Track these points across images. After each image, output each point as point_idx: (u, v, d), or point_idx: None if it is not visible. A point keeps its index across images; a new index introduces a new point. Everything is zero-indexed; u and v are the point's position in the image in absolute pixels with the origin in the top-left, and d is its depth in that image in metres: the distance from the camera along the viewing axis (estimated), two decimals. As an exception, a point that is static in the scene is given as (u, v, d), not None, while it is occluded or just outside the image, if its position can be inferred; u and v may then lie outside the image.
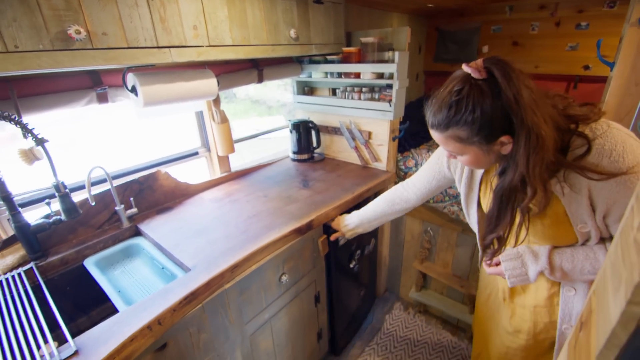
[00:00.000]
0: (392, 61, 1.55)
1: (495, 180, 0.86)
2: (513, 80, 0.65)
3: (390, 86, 1.61)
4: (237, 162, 1.92)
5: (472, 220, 1.04)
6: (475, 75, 0.68)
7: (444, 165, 1.05)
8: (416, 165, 1.82)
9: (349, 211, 1.41)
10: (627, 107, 1.05)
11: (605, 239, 0.79)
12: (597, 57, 1.40)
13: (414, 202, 1.22)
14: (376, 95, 1.71)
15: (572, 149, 0.70)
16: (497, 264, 0.93)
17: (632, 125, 1.05)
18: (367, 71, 1.65)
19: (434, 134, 0.79)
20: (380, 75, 1.64)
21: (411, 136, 1.95)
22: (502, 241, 0.82)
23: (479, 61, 0.68)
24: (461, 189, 1.00)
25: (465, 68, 0.69)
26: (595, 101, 0.78)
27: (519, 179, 0.70)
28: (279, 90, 2.30)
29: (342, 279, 1.62)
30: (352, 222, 1.34)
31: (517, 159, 0.69)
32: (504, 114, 0.67)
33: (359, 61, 1.70)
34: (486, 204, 0.94)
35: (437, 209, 1.76)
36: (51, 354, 0.77)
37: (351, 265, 1.63)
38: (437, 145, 1.93)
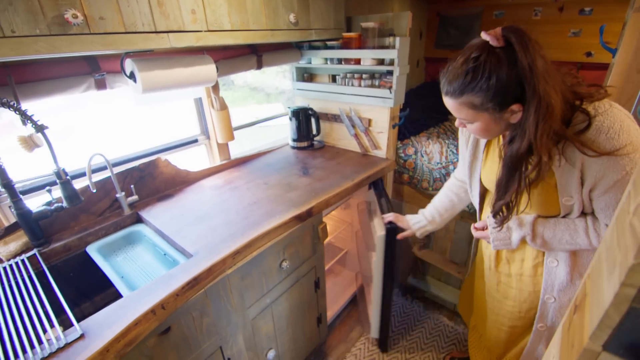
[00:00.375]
0: (393, 47, 1.53)
1: (497, 151, 0.91)
2: (529, 49, 0.67)
3: (390, 73, 1.60)
4: (237, 150, 1.91)
5: (474, 193, 1.08)
6: (493, 42, 0.70)
7: (461, 138, 1.08)
8: (416, 152, 1.82)
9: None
10: (628, 94, 1.05)
11: (586, 214, 0.85)
12: (600, 43, 1.39)
13: (464, 186, 1.25)
14: (376, 82, 1.69)
15: (574, 124, 0.74)
16: (484, 228, 0.99)
17: (632, 112, 1.05)
18: (367, 57, 1.63)
19: (448, 101, 0.80)
20: (381, 62, 1.63)
21: (411, 123, 1.95)
22: (510, 208, 0.85)
23: (498, 29, 0.70)
24: (467, 157, 1.04)
25: (484, 35, 0.71)
26: (601, 83, 0.80)
27: (527, 146, 0.73)
28: (277, 78, 2.27)
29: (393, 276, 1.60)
30: (422, 220, 1.33)
31: (526, 127, 0.71)
32: (517, 82, 0.69)
33: (359, 47, 1.68)
34: (486, 174, 1.00)
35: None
36: (57, 338, 0.79)
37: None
38: (437, 133, 1.93)
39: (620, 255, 0.38)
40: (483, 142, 0.99)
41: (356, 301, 2.05)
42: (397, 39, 1.50)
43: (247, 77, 2.12)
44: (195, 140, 1.67)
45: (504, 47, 0.69)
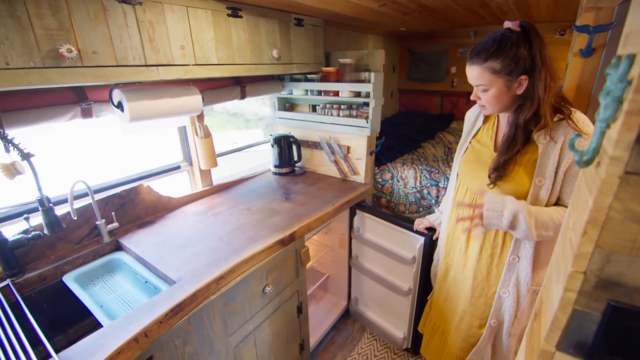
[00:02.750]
0: (369, 81, 1.66)
1: (489, 133, 1.11)
2: (540, 37, 0.91)
3: (367, 104, 1.71)
4: (216, 175, 1.94)
5: (454, 175, 1.23)
6: (513, 27, 0.91)
7: (465, 127, 1.23)
8: (392, 178, 1.92)
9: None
10: (574, 126, 1.19)
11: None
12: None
13: None
14: (354, 112, 1.80)
15: (563, 109, 0.95)
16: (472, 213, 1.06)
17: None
18: (345, 90, 1.75)
19: (473, 69, 0.96)
20: (358, 94, 1.74)
21: (387, 150, 2.06)
22: (504, 167, 1.00)
23: (517, 21, 0.92)
24: (461, 141, 1.22)
25: (506, 24, 0.93)
26: None
27: (533, 111, 0.93)
28: (257, 104, 2.35)
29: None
30: (439, 215, 1.43)
31: (535, 94, 0.91)
32: (530, 57, 0.90)
33: (338, 80, 1.80)
34: (464, 160, 1.16)
35: (412, 220, 1.85)
36: (35, 370, 0.76)
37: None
38: (411, 160, 2.05)
39: (564, 265, 0.45)
40: (477, 127, 1.15)
41: (338, 327, 2.05)
42: (372, 74, 1.62)
43: (227, 104, 2.18)
44: (178, 167, 1.69)
45: (521, 32, 0.91)
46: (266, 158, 2.20)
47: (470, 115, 1.22)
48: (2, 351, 0.81)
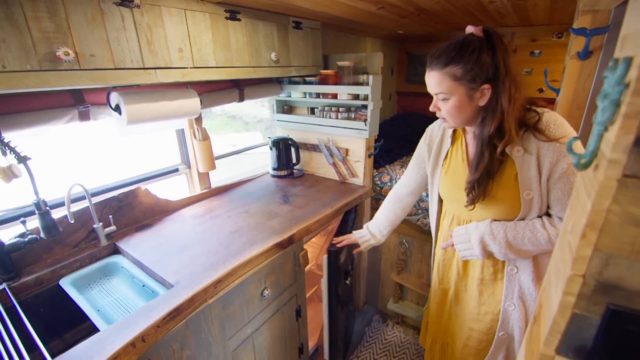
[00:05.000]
0: (367, 84, 1.66)
1: (460, 154, 1.04)
2: (503, 44, 0.85)
3: (365, 106, 1.71)
4: (214, 177, 1.93)
5: (433, 202, 1.18)
6: (476, 33, 0.86)
7: (423, 147, 1.19)
8: (391, 180, 1.92)
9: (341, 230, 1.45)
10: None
11: (542, 217, 0.93)
12: (545, 84, 1.57)
13: (407, 198, 1.33)
14: (352, 115, 1.80)
15: (527, 119, 0.89)
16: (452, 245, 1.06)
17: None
18: (343, 92, 1.75)
19: (432, 75, 0.90)
20: (356, 96, 1.74)
21: (386, 153, 2.06)
22: (480, 187, 0.95)
23: (480, 27, 0.87)
24: (429, 166, 1.15)
25: (468, 28, 0.87)
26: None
27: (497, 125, 0.86)
28: (256, 107, 2.35)
29: (340, 295, 1.63)
30: (366, 234, 1.39)
31: (498, 107, 0.85)
32: (493, 64, 0.84)
33: (336, 83, 1.80)
34: (443, 183, 1.09)
35: (411, 222, 1.85)
36: (30, 376, 0.76)
37: (347, 282, 1.67)
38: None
39: (562, 268, 0.45)
40: (445, 149, 1.08)
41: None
42: (371, 76, 1.63)
43: (226, 106, 2.18)
44: (176, 170, 1.68)
45: (484, 38, 0.85)
46: (265, 160, 2.20)
47: (435, 133, 1.14)
48: (-3, 356, 0.80)
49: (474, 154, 0.96)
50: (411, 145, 2.28)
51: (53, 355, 0.81)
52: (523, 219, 0.94)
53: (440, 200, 1.17)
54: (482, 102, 0.88)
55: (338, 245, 1.42)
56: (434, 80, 0.90)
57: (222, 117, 2.22)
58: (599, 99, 0.37)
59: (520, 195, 0.91)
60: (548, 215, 0.93)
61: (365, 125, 1.72)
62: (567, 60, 1.20)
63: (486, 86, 0.85)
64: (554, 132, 0.85)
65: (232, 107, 2.21)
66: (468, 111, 0.90)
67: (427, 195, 1.84)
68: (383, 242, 1.40)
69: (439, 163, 1.11)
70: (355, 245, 1.43)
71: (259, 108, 2.35)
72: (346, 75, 1.76)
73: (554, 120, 0.87)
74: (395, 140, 2.29)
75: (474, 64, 0.84)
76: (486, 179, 0.94)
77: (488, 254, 0.99)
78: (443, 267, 1.21)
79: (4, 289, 1.05)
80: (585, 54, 1.12)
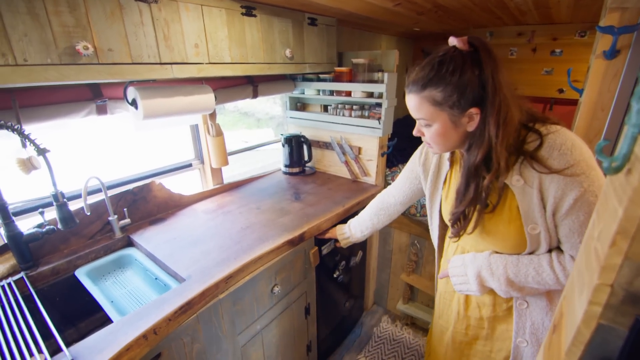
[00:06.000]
0: (382, 82, 1.63)
1: (457, 176, 0.91)
2: (493, 57, 0.72)
3: (379, 105, 1.69)
4: (226, 173, 1.94)
5: (434, 226, 1.08)
6: (459, 45, 0.73)
7: (417, 164, 1.08)
8: (404, 180, 1.89)
9: (344, 221, 1.45)
10: (595, 130, 1.15)
11: (551, 251, 0.81)
12: (568, 84, 1.52)
13: (394, 207, 1.25)
14: (366, 113, 1.78)
15: (527, 142, 0.75)
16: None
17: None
18: (357, 90, 1.73)
19: (410, 97, 0.79)
20: (370, 94, 1.72)
21: (399, 152, 2.03)
22: (466, 220, 0.84)
23: (465, 37, 0.73)
24: (427, 188, 1.04)
25: (451, 40, 0.74)
26: (571, 118, 0.84)
27: (484, 153, 0.74)
28: (268, 103, 2.35)
29: (327, 288, 1.65)
30: (346, 231, 1.37)
31: (485, 133, 0.73)
32: (479, 84, 0.71)
33: (350, 80, 1.78)
34: (446, 210, 0.96)
35: (423, 222, 1.82)
36: (46, 363, 0.77)
37: (335, 276, 1.66)
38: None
39: (588, 277, 0.43)
40: (444, 172, 0.97)
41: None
42: (386, 74, 1.60)
43: (239, 103, 2.18)
44: (190, 165, 1.70)
45: (470, 51, 0.72)
46: (276, 157, 2.20)
47: (428, 155, 1.03)
48: (15, 343, 0.82)
49: (459, 184, 0.84)
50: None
51: (67, 344, 0.83)
52: (532, 252, 0.83)
53: (443, 224, 1.06)
54: (471, 128, 0.76)
55: (319, 237, 1.41)
56: (412, 104, 0.80)
57: (234, 113, 2.23)
58: (634, 99, 0.35)
59: (525, 230, 0.79)
60: (559, 249, 0.81)
61: (379, 123, 1.70)
62: (592, 60, 1.15)
63: (474, 110, 0.73)
64: (558, 160, 0.71)
65: (245, 104, 2.22)
66: (454, 138, 0.80)
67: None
68: (364, 239, 1.38)
69: (438, 187, 1.00)
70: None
71: (271, 105, 2.35)
72: (360, 72, 1.74)
73: (561, 144, 0.71)
74: (409, 140, 2.25)
75: (455, 85, 0.71)
76: (473, 211, 0.83)
77: (487, 290, 0.89)
78: (443, 300, 1.10)
79: (22, 277, 1.07)
80: (612, 53, 1.07)
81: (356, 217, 1.38)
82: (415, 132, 0.86)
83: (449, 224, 0.93)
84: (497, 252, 0.87)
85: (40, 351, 0.81)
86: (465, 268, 0.89)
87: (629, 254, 0.35)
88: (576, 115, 1.28)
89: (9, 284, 1.04)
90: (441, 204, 1.00)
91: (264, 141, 2.16)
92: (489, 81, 0.71)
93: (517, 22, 2.27)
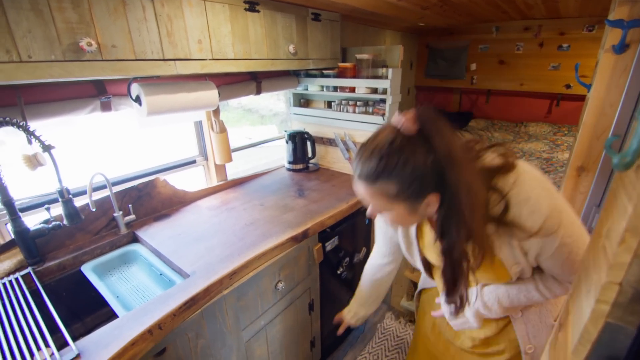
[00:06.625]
0: (386, 77, 1.62)
1: (435, 245, 0.82)
2: (445, 136, 0.63)
3: (383, 101, 1.68)
4: (230, 170, 1.94)
5: (420, 269, 1.02)
6: (406, 129, 0.64)
7: (384, 224, 1.04)
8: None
9: (341, 221, 1.43)
10: (603, 127, 1.13)
11: (535, 277, 0.81)
12: (576, 79, 1.50)
13: (388, 266, 1.15)
14: (370, 109, 1.77)
15: (492, 205, 0.68)
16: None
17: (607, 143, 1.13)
18: (361, 86, 1.72)
19: (360, 186, 0.71)
20: (374, 90, 1.71)
21: (403, 148, 2.02)
22: (463, 299, 0.81)
23: (411, 113, 0.64)
24: (401, 242, 0.97)
25: (396, 120, 0.66)
26: (502, 142, 0.80)
27: (465, 236, 0.67)
28: (271, 100, 2.35)
29: (331, 284, 1.65)
30: (351, 309, 1.24)
31: (459, 219, 0.65)
32: (435, 170, 0.63)
33: (354, 76, 1.77)
34: (430, 254, 0.91)
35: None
36: (53, 357, 0.78)
37: (338, 272, 1.66)
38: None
39: (595, 275, 0.43)
40: (413, 228, 0.91)
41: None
42: (390, 70, 1.59)
43: (242, 99, 2.18)
44: (194, 161, 1.70)
45: (419, 134, 0.64)
46: (280, 154, 2.20)
47: None
48: (23, 337, 0.83)
49: (444, 271, 0.77)
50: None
51: (74, 338, 0.84)
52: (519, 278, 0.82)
53: (428, 263, 0.98)
54: (431, 211, 0.69)
55: (339, 333, 1.28)
56: (363, 193, 0.72)
57: (238, 110, 2.22)
58: (646, 94, 0.34)
59: (508, 270, 0.77)
60: (539, 270, 0.79)
61: (384, 119, 1.69)
62: (601, 54, 1.13)
63: (432, 197, 0.66)
64: (531, 220, 0.66)
65: (248, 100, 2.22)
66: (414, 220, 0.75)
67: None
68: (372, 310, 1.24)
69: (412, 241, 0.93)
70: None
71: (274, 101, 2.35)
72: (364, 68, 1.72)
73: (526, 199, 0.66)
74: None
75: (410, 178, 0.64)
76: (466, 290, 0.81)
77: (480, 325, 0.91)
78: (438, 331, 1.09)
79: (29, 272, 1.09)
80: (621, 48, 1.05)
81: (354, 297, 1.24)
82: (369, 214, 0.78)
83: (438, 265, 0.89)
84: (485, 284, 0.87)
85: (47, 345, 0.82)
86: (464, 312, 0.90)
87: (638, 251, 0.35)
88: (584, 111, 1.26)
89: (17, 279, 1.05)
90: (421, 253, 0.95)
91: (268, 138, 2.16)
92: (447, 164, 0.63)
93: (524, 17, 2.23)
